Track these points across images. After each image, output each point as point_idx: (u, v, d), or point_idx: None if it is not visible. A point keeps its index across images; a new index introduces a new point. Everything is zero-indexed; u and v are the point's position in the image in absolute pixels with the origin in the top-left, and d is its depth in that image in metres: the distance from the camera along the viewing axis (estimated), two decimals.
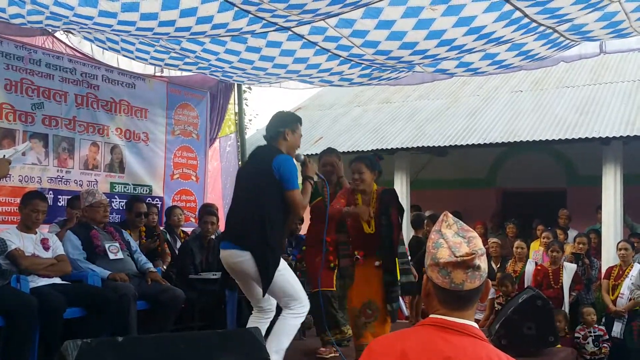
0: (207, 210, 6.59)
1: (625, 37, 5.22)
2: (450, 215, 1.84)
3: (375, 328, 4.64)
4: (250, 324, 4.14)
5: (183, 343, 2.79)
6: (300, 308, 4.07)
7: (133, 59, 6.55)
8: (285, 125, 4.25)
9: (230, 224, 4.29)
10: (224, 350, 2.79)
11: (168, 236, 6.88)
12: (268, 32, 5.01)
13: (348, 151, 10.09)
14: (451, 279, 1.72)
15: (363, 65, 5.95)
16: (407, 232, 9.00)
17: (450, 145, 10.22)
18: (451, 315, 1.73)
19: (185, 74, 7.59)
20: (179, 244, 6.83)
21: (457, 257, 1.71)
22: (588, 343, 6.84)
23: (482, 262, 1.73)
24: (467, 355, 1.65)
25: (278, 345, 3.96)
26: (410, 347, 1.70)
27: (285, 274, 4.04)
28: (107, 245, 5.45)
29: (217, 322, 5.70)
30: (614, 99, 10.27)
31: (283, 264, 4.05)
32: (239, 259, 3.97)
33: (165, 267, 6.41)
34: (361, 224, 4.65)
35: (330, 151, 5.45)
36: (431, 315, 1.77)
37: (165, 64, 6.69)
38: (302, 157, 4.40)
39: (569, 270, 7.40)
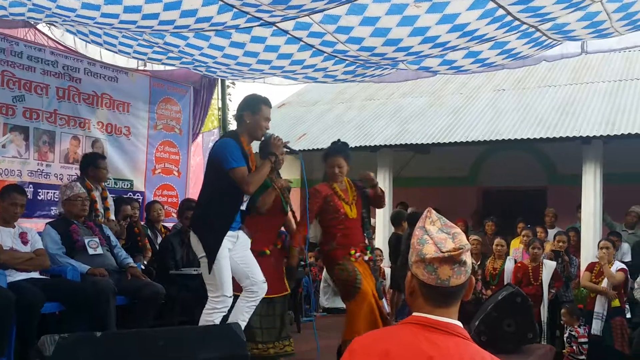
0: (188, 206, 6.53)
1: (606, 37, 5.27)
2: (433, 211, 1.82)
3: None
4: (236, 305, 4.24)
5: (162, 338, 2.77)
6: (217, 303, 4.08)
7: (116, 52, 6.49)
8: (244, 108, 4.27)
9: None
10: (204, 345, 2.77)
11: (149, 231, 6.83)
12: (252, 27, 4.99)
13: None
14: (437, 275, 1.70)
15: (347, 62, 5.95)
16: (389, 230, 9.04)
17: (433, 143, 10.28)
18: (435, 313, 1.71)
19: (168, 68, 7.52)
20: (159, 240, 6.78)
21: (443, 252, 1.69)
22: (564, 341, 6.90)
23: (468, 258, 1.72)
24: (451, 356, 1.63)
25: None
26: (393, 346, 1.67)
27: (217, 264, 4.05)
28: (86, 240, 5.39)
29: (198, 318, 5.65)
30: (594, 98, 10.38)
31: (221, 253, 4.05)
32: (192, 240, 4.21)
33: (145, 262, 6.36)
34: (345, 210, 4.73)
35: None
36: (415, 314, 1.74)
37: (149, 58, 6.64)
38: (268, 134, 4.39)
39: (548, 267, 7.46)
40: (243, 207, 4.35)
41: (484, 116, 10.71)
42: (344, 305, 4.87)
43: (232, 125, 7.96)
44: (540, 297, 7.31)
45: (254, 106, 4.26)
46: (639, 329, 6.55)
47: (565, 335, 6.88)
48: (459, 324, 1.72)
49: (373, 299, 4.63)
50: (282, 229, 5.28)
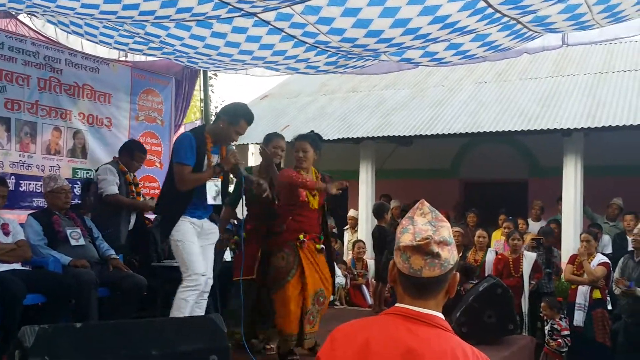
0: None
1: (587, 29, 5.30)
2: (426, 203, 1.82)
3: (320, 316, 4.79)
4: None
5: (143, 330, 2.77)
6: (189, 281, 4.28)
7: (97, 43, 6.44)
8: (226, 114, 4.46)
9: None
10: (185, 336, 2.77)
11: None
12: (234, 17, 4.97)
13: None
14: (410, 264, 1.71)
15: (329, 53, 5.94)
16: (372, 222, 9.07)
17: (415, 135, 10.32)
18: (415, 304, 1.71)
19: (149, 59, 7.48)
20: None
21: (416, 241, 1.70)
22: (545, 334, 6.95)
23: (444, 251, 1.70)
24: (431, 348, 1.64)
25: None
26: (374, 336, 1.69)
27: (180, 245, 4.31)
28: (68, 232, 5.37)
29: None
30: (575, 91, 10.47)
31: (185, 236, 4.31)
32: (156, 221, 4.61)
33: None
34: (308, 200, 4.76)
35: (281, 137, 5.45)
36: (397, 305, 1.75)
37: (130, 49, 6.59)
38: (229, 147, 4.63)
39: (529, 259, 7.52)
40: (217, 202, 4.50)
41: (466, 108, 10.77)
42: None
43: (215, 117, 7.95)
44: (520, 288, 7.37)
45: (235, 118, 4.44)
46: (620, 321, 6.58)
47: (547, 328, 6.91)
48: (441, 316, 1.72)
49: (299, 298, 4.63)
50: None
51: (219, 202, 4.51)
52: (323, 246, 4.89)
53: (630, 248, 6.94)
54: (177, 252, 4.37)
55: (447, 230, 1.74)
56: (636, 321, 6.15)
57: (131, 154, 6.25)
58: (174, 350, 2.68)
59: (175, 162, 4.35)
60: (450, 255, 1.72)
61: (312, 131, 5.15)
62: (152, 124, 7.98)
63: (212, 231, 4.61)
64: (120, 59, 7.41)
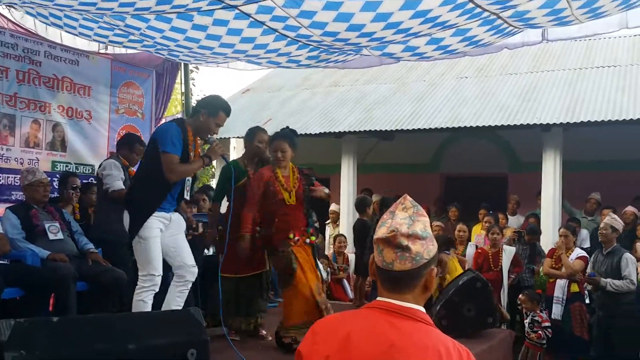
0: None
1: (567, 24, 5.34)
2: (409, 198, 1.82)
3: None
4: (169, 290, 4.39)
5: (121, 323, 2.75)
6: (144, 281, 4.22)
7: (76, 35, 6.39)
8: (205, 107, 4.44)
9: None
10: (163, 330, 2.76)
11: None
12: (214, 9, 4.94)
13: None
14: (383, 257, 1.72)
15: (311, 47, 5.93)
16: (354, 216, 9.09)
17: (397, 129, 10.34)
18: (392, 298, 1.72)
19: (130, 51, 7.42)
20: None
21: (386, 234, 1.71)
22: (525, 327, 7.01)
23: (415, 245, 1.70)
24: (412, 342, 1.64)
25: None
26: (355, 330, 1.69)
27: (144, 243, 4.20)
28: (47, 225, 5.31)
29: (161, 304, 5.62)
30: (555, 86, 10.57)
31: (149, 233, 4.20)
32: (124, 217, 4.37)
33: None
34: (283, 197, 4.79)
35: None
36: (378, 298, 1.76)
37: (110, 41, 6.54)
38: (212, 139, 4.60)
39: (508, 253, 7.59)
40: (187, 196, 4.55)
41: (447, 103, 10.81)
42: None
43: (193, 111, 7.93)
44: (500, 282, 7.44)
45: (214, 110, 4.43)
46: (596, 314, 6.66)
47: (527, 321, 6.97)
48: (422, 309, 1.73)
49: (309, 289, 4.67)
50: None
51: (187, 196, 4.55)
52: (313, 238, 4.94)
53: None
54: (139, 250, 4.25)
55: (421, 225, 1.74)
56: (607, 313, 6.24)
57: (131, 147, 5.97)
58: (152, 344, 2.66)
59: (163, 151, 4.20)
60: (423, 249, 1.71)
61: (287, 127, 5.17)
62: (133, 117, 7.93)
63: (180, 222, 4.58)
64: (100, 51, 7.35)
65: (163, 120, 8.51)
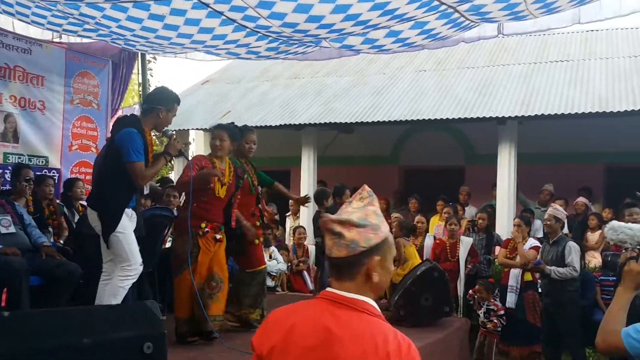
0: None
1: (522, 19, 5.44)
2: (367, 189, 1.84)
3: (220, 299, 4.95)
4: (99, 291, 4.41)
5: (75, 318, 2.70)
6: (129, 270, 4.34)
7: (29, 23, 6.22)
8: (163, 103, 4.51)
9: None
10: (119, 324, 2.72)
11: (65, 210, 6.62)
12: None
13: (256, 126, 10.03)
14: (326, 244, 1.78)
15: (270, 38, 5.90)
16: (313, 207, 9.10)
17: (356, 122, 10.38)
18: (337, 287, 1.75)
19: (85, 40, 7.27)
20: (77, 218, 6.58)
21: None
22: (480, 315, 7.15)
23: (350, 232, 1.72)
24: (351, 331, 1.66)
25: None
26: (299, 320, 1.73)
27: (122, 237, 4.30)
28: None
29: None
30: (510, 80, 10.75)
31: (124, 227, 4.32)
32: (89, 214, 4.46)
33: (62, 242, 6.16)
34: (217, 188, 4.86)
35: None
36: (327, 289, 1.78)
37: (64, 30, 6.38)
38: (170, 132, 4.72)
39: (465, 243, 7.71)
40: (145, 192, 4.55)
41: (406, 96, 10.90)
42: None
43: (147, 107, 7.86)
44: (457, 272, 7.56)
45: (170, 104, 4.54)
46: (543, 302, 6.82)
47: (483, 310, 7.10)
48: (368, 300, 1.74)
49: (191, 285, 4.75)
50: None
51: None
52: (221, 237, 4.98)
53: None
54: (117, 244, 4.31)
55: (361, 213, 1.75)
56: (552, 300, 6.41)
57: None
58: (108, 337, 2.62)
59: (129, 161, 4.27)
60: (360, 237, 1.73)
61: (232, 123, 5.32)
62: (88, 108, 7.78)
63: (134, 216, 4.62)
64: (55, 40, 7.18)
65: (120, 112, 8.37)
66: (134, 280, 4.43)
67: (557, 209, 6.64)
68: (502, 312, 6.99)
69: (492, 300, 7.05)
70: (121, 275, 4.33)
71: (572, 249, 6.32)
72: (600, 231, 8.35)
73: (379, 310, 1.76)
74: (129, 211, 4.43)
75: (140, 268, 4.43)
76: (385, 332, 1.68)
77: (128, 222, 4.39)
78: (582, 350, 6.47)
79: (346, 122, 10.46)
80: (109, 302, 4.24)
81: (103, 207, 4.36)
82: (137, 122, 4.45)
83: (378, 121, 10.21)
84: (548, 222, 6.56)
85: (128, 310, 2.92)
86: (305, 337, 1.69)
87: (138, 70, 8.45)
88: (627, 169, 10.54)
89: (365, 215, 1.75)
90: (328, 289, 1.77)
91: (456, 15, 5.19)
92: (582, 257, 7.69)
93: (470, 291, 7.21)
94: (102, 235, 4.34)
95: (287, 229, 10.47)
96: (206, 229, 4.82)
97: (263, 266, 5.58)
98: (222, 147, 4.97)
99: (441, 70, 11.87)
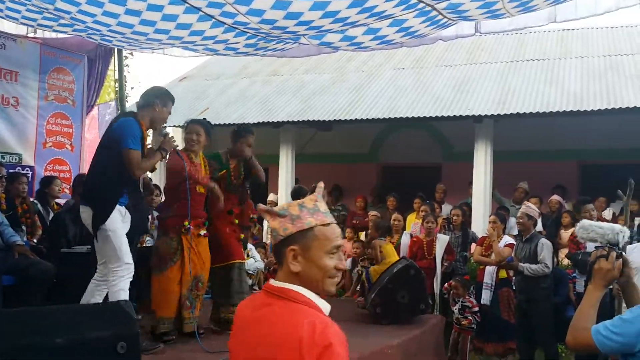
0: (82, 181, 6.30)
1: (498, 17, 5.48)
2: (321, 186, 1.98)
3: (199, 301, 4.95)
4: (88, 288, 4.40)
5: (47, 317, 2.66)
6: (122, 271, 4.26)
7: (3, 17, 6.13)
8: (158, 97, 4.52)
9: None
10: (92, 324, 2.68)
11: (40, 207, 6.53)
12: None
13: (234, 123, 9.97)
14: None
15: (248, 34, 5.87)
16: None
17: (335, 120, 10.38)
18: (276, 276, 1.85)
19: (60, 36, 7.16)
20: (52, 216, 6.50)
21: None
22: (454, 312, 7.18)
23: (274, 221, 1.82)
24: (273, 319, 1.76)
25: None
26: (246, 312, 1.87)
27: (112, 235, 4.23)
28: None
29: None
30: (487, 79, 10.83)
31: (115, 225, 4.25)
32: (82, 213, 4.35)
33: (35, 240, 6.08)
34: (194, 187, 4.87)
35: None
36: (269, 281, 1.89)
37: (38, 25, 6.29)
38: (165, 131, 4.73)
39: (441, 241, 7.74)
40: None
41: (384, 94, 10.92)
42: None
43: (131, 98, 7.75)
44: (433, 269, 7.58)
45: (165, 101, 4.54)
46: (517, 298, 6.88)
47: (457, 307, 7.14)
48: (295, 287, 1.80)
49: (177, 283, 4.75)
50: None
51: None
52: (206, 232, 4.97)
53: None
54: (108, 242, 4.25)
55: (287, 205, 1.86)
56: (525, 297, 6.49)
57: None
58: (80, 337, 2.58)
59: (127, 147, 4.21)
60: (280, 226, 1.82)
61: (204, 118, 5.33)
62: (63, 104, 7.69)
63: (128, 216, 4.56)
64: (29, 35, 7.07)
65: (95, 109, 8.28)
66: (130, 279, 4.31)
67: (529, 206, 6.71)
68: (476, 309, 7.04)
69: (467, 297, 7.09)
70: (117, 276, 4.25)
71: (545, 246, 6.40)
72: (573, 229, 8.44)
73: (311, 297, 1.80)
74: (122, 209, 4.37)
75: (132, 267, 4.32)
76: (301, 318, 1.73)
77: (120, 220, 4.31)
78: (554, 347, 6.55)
79: (325, 120, 10.46)
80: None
81: (95, 198, 4.29)
82: (134, 115, 4.45)
83: (356, 119, 10.22)
84: (520, 220, 6.64)
85: (102, 310, 2.89)
86: (246, 328, 1.83)
87: (114, 66, 8.36)
88: (600, 165, 10.70)
89: (288, 206, 1.85)
90: (271, 280, 1.87)
91: (434, 13, 5.21)
92: (556, 255, 7.76)
93: (446, 284, 7.26)
94: (92, 229, 4.26)
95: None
96: (189, 226, 4.78)
97: (238, 260, 5.42)
98: (198, 141, 4.97)
99: (419, 68, 11.91)
